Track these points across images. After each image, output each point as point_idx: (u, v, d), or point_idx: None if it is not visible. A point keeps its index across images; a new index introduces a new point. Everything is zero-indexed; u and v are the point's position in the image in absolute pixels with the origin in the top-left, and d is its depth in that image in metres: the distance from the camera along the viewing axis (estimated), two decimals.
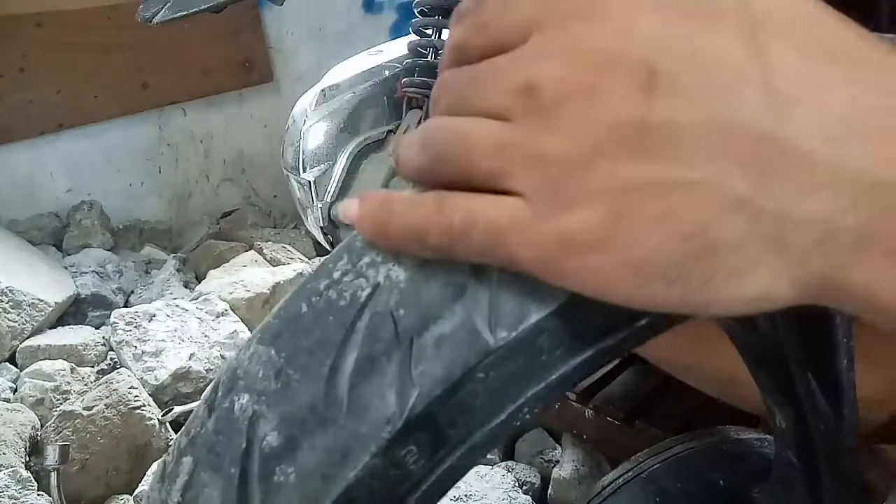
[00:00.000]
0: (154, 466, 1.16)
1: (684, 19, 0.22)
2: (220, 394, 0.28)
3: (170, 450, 0.30)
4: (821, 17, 0.22)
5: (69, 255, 1.87)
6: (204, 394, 0.30)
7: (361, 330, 0.26)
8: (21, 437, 1.18)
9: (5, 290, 1.46)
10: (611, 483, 0.61)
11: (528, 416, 0.26)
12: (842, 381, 0.38)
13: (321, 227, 1.04)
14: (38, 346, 1.43)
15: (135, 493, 1.12)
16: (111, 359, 1.47)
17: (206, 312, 1.54)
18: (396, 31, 2.53)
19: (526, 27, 0.24)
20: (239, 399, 0.27)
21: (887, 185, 0.20)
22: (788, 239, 0.21)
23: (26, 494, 1.06)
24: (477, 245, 0.24)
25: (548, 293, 0.25)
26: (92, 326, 1.59)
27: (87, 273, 1.74)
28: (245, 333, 1.50)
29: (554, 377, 0.26)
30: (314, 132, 1.07)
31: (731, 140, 0.21)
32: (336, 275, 0.27)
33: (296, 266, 1.74)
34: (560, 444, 1.27)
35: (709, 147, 0.21)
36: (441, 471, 0.26)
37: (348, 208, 0.28)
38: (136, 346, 1.40)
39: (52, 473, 1.09)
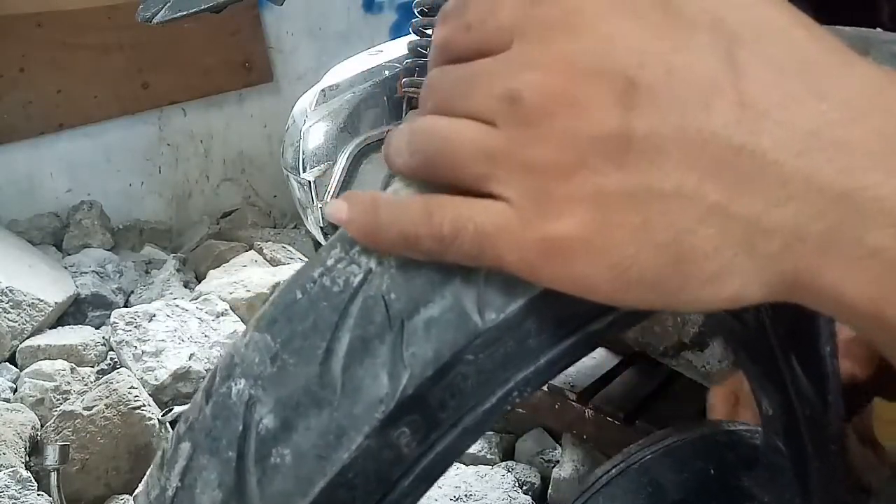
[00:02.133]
0: None
1: (661, 33, 0.23)
2: (217, 380, 0.29)
3: (168, 437, 0.31)
4: (792, 30, 0.23)
5: (69, 255, 1.87)
6: (203, 383, 0.30)
7: (354, 314, 0.26)
8: (21, 437, 1.18)
9: (5, 290, 1.46)
10: (604, 474, 0.62)
11: (517, 400, 0.27)
12: (826, 367, 0.39)
13: (321, 227, 1.04)
14: (38, 346, 1.43)
15: (135, 493, 1.12)
16: (111, 359, 1.47)
17: (206, 312, 1.55)
18: (396, 31, 2.53)
19: (508, 33, 0.25)
20: (236, 384, 0.28)
21: (849, 194, 0.21)
22: (758, 245, 0.22)
23: (26, 494, 1.06)
24: (466, 250, 0.25)
25: None
26: (92, 326, 1.60)
27: (87, 273, 1.74)
28: None
29: (542, 361, 0.27)
30: (314, 132, 1.07)
31: (705, 151, 0.22)
32: (329, 262, 0.28)
33: (296, 266, 1.74)
34: (560, 444, 1.27)
35: (684, 158, 0.22)
36: (434, 454, 0.27)
37: (336, 209, 0.28)
38: (136, 346, 1.40)
39: (52, 473, 1.09)
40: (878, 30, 0.35)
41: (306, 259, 1.82)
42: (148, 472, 0.30)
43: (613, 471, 0.61)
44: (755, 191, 0.22)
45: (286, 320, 0.28)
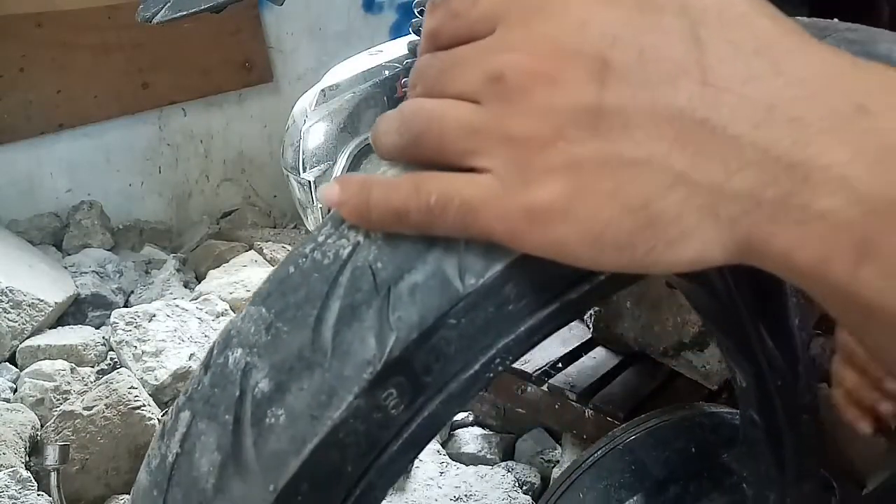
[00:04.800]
0: None
1: (632, 16, 0.25)
2: (215, 352, 0.30)
3: (169, 411, 0.31)
4: (752, 15, 0.25)
5: (69, 255, 1.87)
6: (202, 358, 0.32)
7: (344, 283, 0.28)
8: (21, 437, 1.18)
9: (5, 290, 1.46)
10: (590, 456, 0.65)
11: (500, 369, 0.29)
12: (794, 339, 0.41)
13: None
14: (38, 346, 1.43)
15: None
16: (111, 359, 1.47)
17: (206, 312, 1.55)
18: (396, 31, 2.53)
19: (492, 19, 0.27)
20: (233, 354, 0.29)
21: (801, 163, 0.23)
22: (719, 210, 0.24)
23: (26, 494, 1.06)
24: (453, 221, 0.27)
25: None
26: (92, 326, 1.60)
27: (87, 273, 1.74)
28: None
29: (523, 329, 0.28)
30: (314, 132, 1.07)
31: (671, 124, 0.24)
32: (320, 239, 0.30)
33: None
34: (560, 444, 1.27)
35: (652, 130, 0.24)
36: (421, 419, 0.28)
37: (330, 192, 0.29)
38: (136, 346, 1.40)
39: (52, 473, 1.09)
40: (835, 20, 0.36)
41: None
42: (149, 447, 0.31)
43: (598, 452, 0.65)
44: (716, 160, 0.24)
45: (280, 294, 0.29)
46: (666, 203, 0.25)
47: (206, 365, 0.30)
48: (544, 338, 0.30)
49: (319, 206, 1.05)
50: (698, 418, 0.65)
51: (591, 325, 1.20)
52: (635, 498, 0.59)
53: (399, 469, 0.29)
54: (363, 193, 0.28)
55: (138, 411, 1.21)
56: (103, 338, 1.51)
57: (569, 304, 0.29)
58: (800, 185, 0.23)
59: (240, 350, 0.29)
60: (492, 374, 0.29)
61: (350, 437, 0.27)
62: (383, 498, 0.30)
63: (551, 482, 1.18)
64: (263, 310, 0.29)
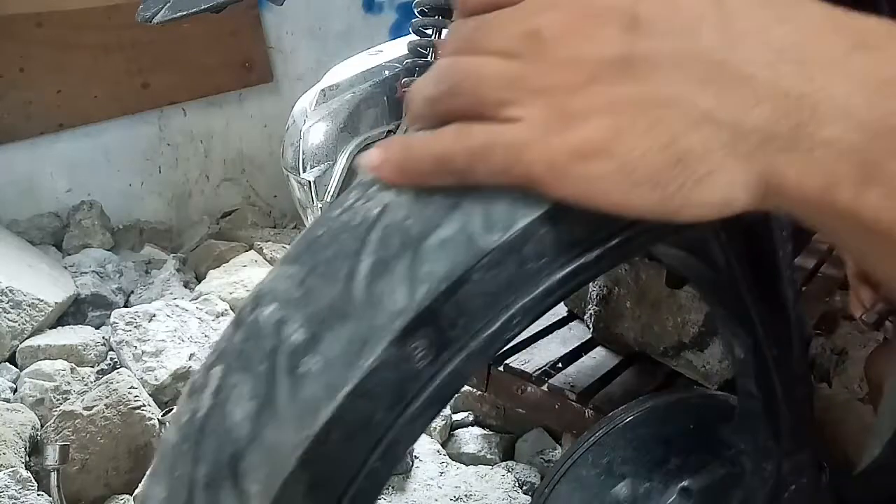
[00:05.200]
0: None
1: None
2: (246, 310, 0.31)
3: (196, 371, 0.32)
4: None
5: (69, 255, 1.87)
6: (232, 317, 0.32)
7: (374, 241, 0.29)
8: (21, 437, 1.18)
9: (5, 290, 1.46)
10: (591, 436, 0.66)
11: (518, 328, 0.30)
12: (789, 310, 0.43)
13: None
14: (38, 346, 1.43)
15: (135, 493, 1.13)
16: (111, 359, 1.47)
17: (206, 312, 1.55)
18: (396, 31, 2.53)
19: None
20: (266, 309, 0.30)
21: (808, 95, 0.25)
22: (739, 145, 0.26)
23: (26, 494, 1.06)
24: (496, 164, 0.28)
25: (534, 202, 0.29)
26: (92, 326, 1.59)
27: (87, 273, 1.74)
28: None
29: (540, 289, 0.30)
30: (314, 132, 1.07)
31: (695, 66, 0.27)
32: (348, 203, 0.31)
33: None
34: (560, 444, 1.27)
35: (679, 72, 0.27)
36: (444, 375, 0.29)
37: (370, 156, 0.31)
38: (136, 346, 1.40)
39: (52, 473, 1.09)
40: None
41: None
42: (176, 406, 0.31)
43: (600, 432, 0.66)
44: (735, 96, 0.26)
45: (310, 254, 0.31)
46: (693, 140, 0.26)
47: (236, 324, 0.31)
48: (559, 301, 0.31)
49: (319, 205, 1.05)
50: (695, 399, 0.66)
51: (591, 325, 1.20)
52: (637, 472, 0.60)
53: (421, 426, 0.30)
54: (405, 149, 0.30)
55: (138, 411, 1.21)
56: (103, 338, 1.51)
57: (583, 266, 0.31)
58: (808, 116, 0.25)
59: (273, 305, 0.30)
60: (510, 335, 0.30)
61: (380, 386, 0.28)
62: (404, 453, 0.31)
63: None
64: (296, 267, 0.30)
